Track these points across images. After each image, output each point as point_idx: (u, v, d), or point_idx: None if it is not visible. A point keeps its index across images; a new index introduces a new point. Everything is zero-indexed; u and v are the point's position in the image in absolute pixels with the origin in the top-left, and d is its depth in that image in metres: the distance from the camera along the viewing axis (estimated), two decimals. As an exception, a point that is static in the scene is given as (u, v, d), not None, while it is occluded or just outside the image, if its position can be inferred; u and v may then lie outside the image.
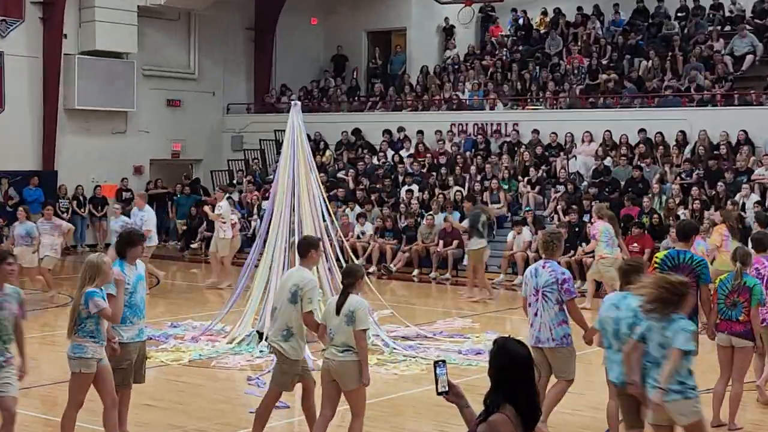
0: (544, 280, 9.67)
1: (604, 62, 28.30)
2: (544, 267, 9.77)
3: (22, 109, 27.20)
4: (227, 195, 23.05)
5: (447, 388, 4.77)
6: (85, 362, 8.44)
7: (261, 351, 13.85)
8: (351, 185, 27.21)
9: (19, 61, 27.12)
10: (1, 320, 8.05)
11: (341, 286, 8.92)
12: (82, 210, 28.18)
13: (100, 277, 8.40)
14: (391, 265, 23.87)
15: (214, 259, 21.20)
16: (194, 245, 27.39)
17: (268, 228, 14.94)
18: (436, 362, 4.78)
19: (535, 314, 9.70)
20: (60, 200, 27.45)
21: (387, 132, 29.15)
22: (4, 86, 26.95)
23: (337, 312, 8.58)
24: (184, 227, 28.40)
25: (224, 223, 20.85)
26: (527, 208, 23.96)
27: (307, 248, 9.27)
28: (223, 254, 21.00)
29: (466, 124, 28.26)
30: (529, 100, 28.37)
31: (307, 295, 8.90)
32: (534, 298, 9.71)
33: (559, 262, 9.97)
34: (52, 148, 27.86)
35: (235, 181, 29.72)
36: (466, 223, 21.09)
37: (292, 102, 15.71)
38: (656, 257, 10.33)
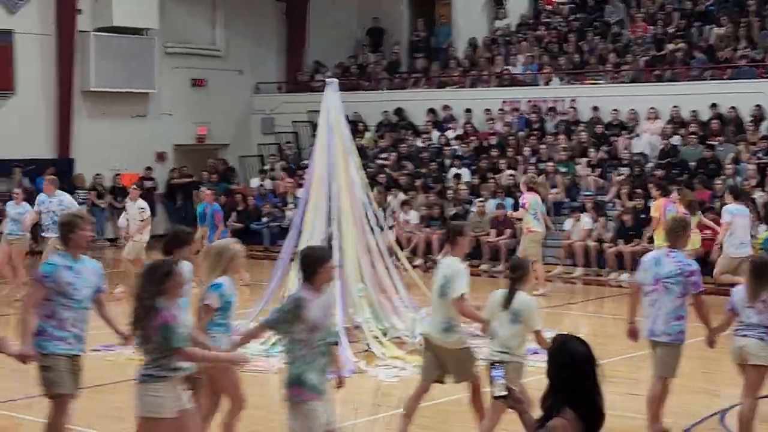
0: (668, 270, 9.63)
1: (671, 31, 28.10)
2: (668, 256, 9.72)
3: (34, 91, 27.45)
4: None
5: (505, 392, 4.77)
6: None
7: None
8: (393, 170, 27.24)
9: (31, 40, 27.35)
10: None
11: (509, 281, 9.22)
12: (102, 201, 28.35)
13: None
14: (438, 257, 23.85)
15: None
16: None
17: (303, 218, 15.00)
18: (491, 364, 4.80)
19: (652, 305, 9.69)
20: (77, 190, 27.67)
21: (431, 111, 29.14)
22: (15, 67, 27.20)
23: (505, 307, 9.02)
24: (212, 218, 28.41)
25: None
26: (587, 193, 23.88)
27: (455, 234, 9.71)
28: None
29: (519, 102, 28.19)
30: (587, 74, 28.25)
31: (453, 282, 9.39)
32: (653, 287, 9.68)
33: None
34: (67, 134, 28.09)
35: (266, 167, 29.83)
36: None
37: (327, 80, 15.75)
38: (759, 238, 10.45)
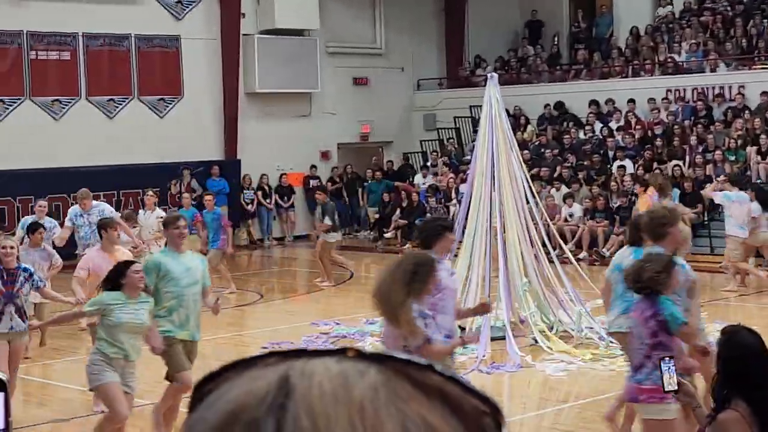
0: None
1: (843, 11, 27.19)
2: None
3: (201, 95, 28.09)
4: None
5: (676, 387, 4.73)
6: None
7: (464, 347, 13.95)
8: (556, 163, 27.05)
9: (197, 44, 28.01)
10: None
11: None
12: (268, 201, 28.85)
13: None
14: (604, 250, 23.63)
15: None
16: (388, 235, 27.70)
17: (467, 214, 15.04)
18: (661, 358, 4.76)
19: None
20: (245, 191, 28.26)
21: (594, 103, 28.83)
22: (183, 71, 27.91)
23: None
24: (377, 216, 28.68)
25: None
26: (758, 181, 23.29)
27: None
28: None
29: (684, 90, 27.67)
30: (756, 58, 27.54)
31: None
32: None
33: None
34: (233, 136, 28.67)
35: (429, 164, 29.95)
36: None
37: (488, 74, 15.76)
38: None
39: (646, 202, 18.04)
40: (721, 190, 19.85)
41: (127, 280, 8.92)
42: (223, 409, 0.84)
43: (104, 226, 11.86)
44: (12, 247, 10.64)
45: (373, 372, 0.85)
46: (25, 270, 10.63)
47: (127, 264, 9.34)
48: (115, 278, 9.01)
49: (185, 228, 10.06)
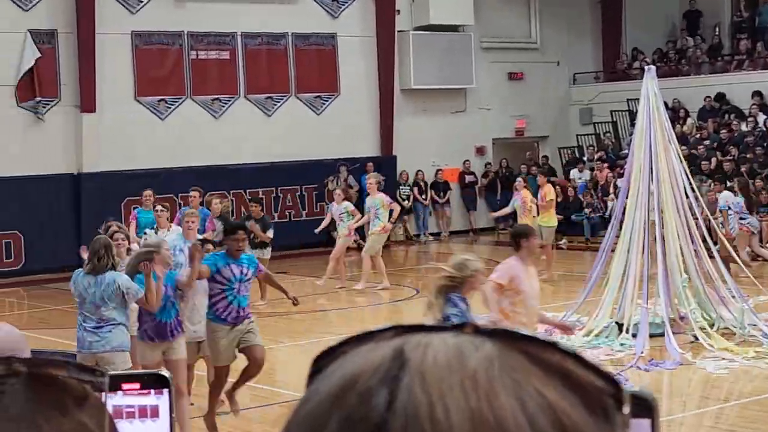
0: None
1: None
2: None
3: (358, 92, 28.34)
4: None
5: None
6: None
7: (621, 344, 13.80)
8: (717, 157, 26.49)
9: (352, 42, 28.27)
10: None
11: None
12: (424, 197, 28.96)
13: None
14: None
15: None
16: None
17: (624, 208, 14.86)
18: None
19: None
20: (401, 187, 28.41)
21: (757, 94, 28.13)
22: (339, 69, 28.20)
23: None
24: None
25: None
26: None
27: None
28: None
29: None
30: None
31: None
32: None
33: None
34: (389, 132, 28.84)
35: (585, 158, 29.66)
36: None
37: (646, 67, 15.54)
38: None
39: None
40: None
41: None
42: (337, 379, 0.84)
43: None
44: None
45: (488, 345, 0.85)
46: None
47: None
48: None
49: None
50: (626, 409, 0.86)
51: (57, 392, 0.92)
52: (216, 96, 26.39)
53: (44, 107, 23.99)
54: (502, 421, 0.80)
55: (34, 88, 23.74)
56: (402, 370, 0.82)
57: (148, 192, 18.47)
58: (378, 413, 0.81)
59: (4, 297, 20.93)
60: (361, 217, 20.07)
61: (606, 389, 0.85)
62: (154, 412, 1.17)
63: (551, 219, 21.29)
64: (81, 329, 9.90)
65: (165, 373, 1.19)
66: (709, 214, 17.26)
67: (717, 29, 32.17)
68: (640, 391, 0.92)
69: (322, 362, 0.88)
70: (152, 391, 1.16)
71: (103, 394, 0.94)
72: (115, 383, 1.07)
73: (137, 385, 1.13)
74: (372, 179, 20.81)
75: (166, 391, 1.14)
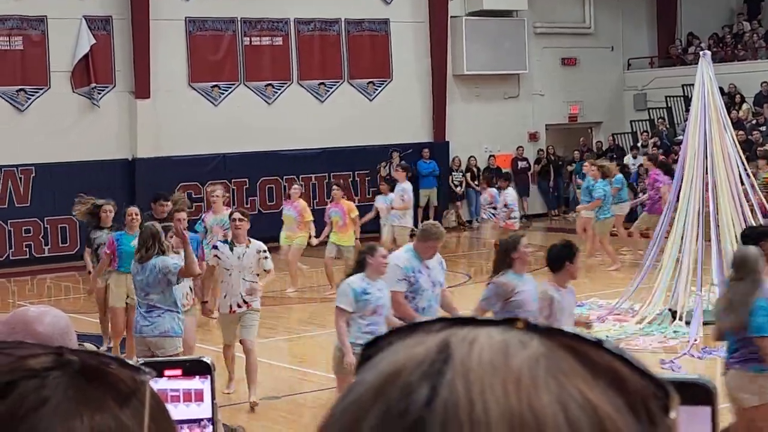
0: None
1: None
2: None
3: (410, 77, 28.32)
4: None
5: None
6: None
7: (675, 332, 13.72)
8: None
9: (405, 27, 28.23)
10: None
11: None
12: (476, 182, 28.88)
13: None
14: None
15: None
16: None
17: (678, 195, 14.75)
18: None
19: None
20: (453, 173, 28.38)
21: (814, 79, 27.82)
22: (392, 55, 28.19)
23: None
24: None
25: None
26: None
27: None
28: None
29: None
30: None
31: None
32: None
33: None
34: (442, 118, 28.80)
35: (639, 144, 29.45)
36: None
37: (701, 52, 15.43)
38: None
39: None
40: None
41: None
42: (381, 371, 0.84)
43: None
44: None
45: (536, 343, 0.84)
46: None
47: None
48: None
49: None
50: (673, 414, 0.85)
51: (101, 388, 0.93)
52: (269, 82, 26.47)
53: (99, 93, 24.20)
54: (542, 423, 0.79)
55: (89, 74, 23.96)
56: (446, 365, 0.82)
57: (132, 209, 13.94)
58: (418, 408, 0.80)
59: (60, 281, 21.18)
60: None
61: (653, 393, 0.85)
62: (199, 396, 1.18)
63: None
64: (137, 313, 10.21)
65: (207, 359, 1.20)
66: (764, 200, 17.09)
67: (775, 14, 31.81)
68: (700, 379, 0.91)
69: (370, 351, 0.89)
70: (196, 376, 1.17)
71: (146, 392, 0.94)
72: (158, 369, 1.07)
73: (179, 371, 1.14)
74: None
75: (208, 376, 1.15)
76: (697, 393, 0.91)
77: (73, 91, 24.04)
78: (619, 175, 22.23)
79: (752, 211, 14.73)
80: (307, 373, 12.58)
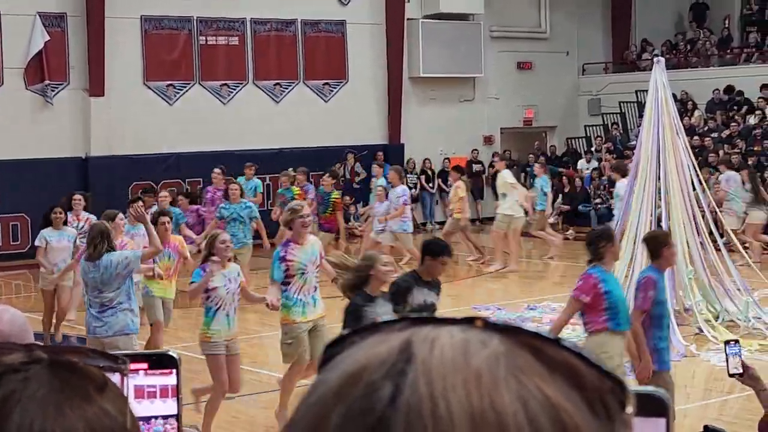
0: None
1: None
2: None
3: (365, 79, 28.33)
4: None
5: (740, 370, 4.76)
6: None
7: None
8: (724, 149, 26.45)
9: (362, 29, 28.24)
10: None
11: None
12: (431, 185, 28.96)
13: None
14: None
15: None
16: (550, 220, 27.43)
17: (631, 200, 14.86)
18: (726, 342, 4.79)
19: None
20: (408, 175, 28.38)
21: (765, 87, 28.05)
22: (348, 56, 28.19)
23: None
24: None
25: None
26: None
27: None
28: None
29: None
30: None
31: None
32: None
33: None
34: (397, 120, 28.84)
35: (593, 149, 29.63)
36: None
37: (655, 58, 15.54)
38: None
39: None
40: None
41: None
42: (344, 370, 0.85)
43: None
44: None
45: (495, 342, 0.85)
46: None
47: None
48: None
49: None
50: (629, 409, 0.86)
51: (79, 379, 0.95)
52: (224, 81, 26.39)
53: (53, 91, 24.02)
54: (503, 420, 0.81)
55: (43, 71, 23.77)
56: (408, 364, 0.83)
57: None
58: (382, 407, 0.82)
59: (11, 279, 20.99)
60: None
61: (610, 388, 0.86)
62: (164, 392, 1.19)
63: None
64: (88, 314, 10.02)
65: (173, 353, 1.21)
66: (715, 206, 17.26)
67: (726, 22, 32.09)
68: (655, 391, 0.93)
69: (331, 351, 0.89)
70: (160, 370, 1.18)
71: (124, 379, 0.96)
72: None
73: (145, 365, 1.15)
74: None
75: (174, 370, 1.16)
76: (652, 405, 0.93)
77: (27, 89, 23.84)
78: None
79: (703, 216, 14.87)
80: (260, 374, 12.57)
